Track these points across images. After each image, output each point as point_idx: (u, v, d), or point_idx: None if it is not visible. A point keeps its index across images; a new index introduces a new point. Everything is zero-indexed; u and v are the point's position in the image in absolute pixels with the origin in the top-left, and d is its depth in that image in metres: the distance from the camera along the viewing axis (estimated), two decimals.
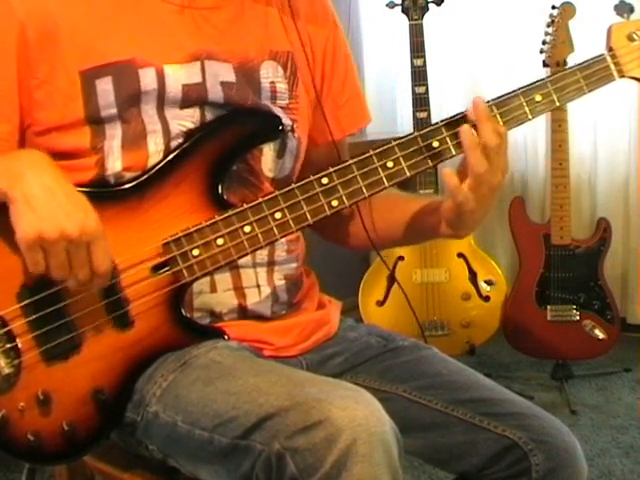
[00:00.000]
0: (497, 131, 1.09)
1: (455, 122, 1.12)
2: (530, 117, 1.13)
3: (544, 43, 2.59)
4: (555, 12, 2.57)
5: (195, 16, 1.18)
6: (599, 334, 2.64)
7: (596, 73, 1.14)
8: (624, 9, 1.19)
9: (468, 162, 1.09)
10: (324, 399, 0.95)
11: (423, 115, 2.64)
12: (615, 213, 3.08)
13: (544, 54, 2.58)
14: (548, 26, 2.59)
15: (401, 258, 2.76)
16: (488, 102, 1.12)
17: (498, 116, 1.12)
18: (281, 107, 1.22)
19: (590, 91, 1.15)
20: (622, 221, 3.13)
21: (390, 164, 1.12)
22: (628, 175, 3.12)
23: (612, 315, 2.69)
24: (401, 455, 0.97)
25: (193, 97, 1.15)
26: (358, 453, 0.91)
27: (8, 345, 1.07)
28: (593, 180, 3.19)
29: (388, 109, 3.47)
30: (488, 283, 2.75)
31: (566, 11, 2.56)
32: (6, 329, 1.07)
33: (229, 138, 1.14)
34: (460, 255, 2.76)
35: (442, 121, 1.12)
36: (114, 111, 1.13)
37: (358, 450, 0.91)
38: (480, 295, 2.75)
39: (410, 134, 1.13)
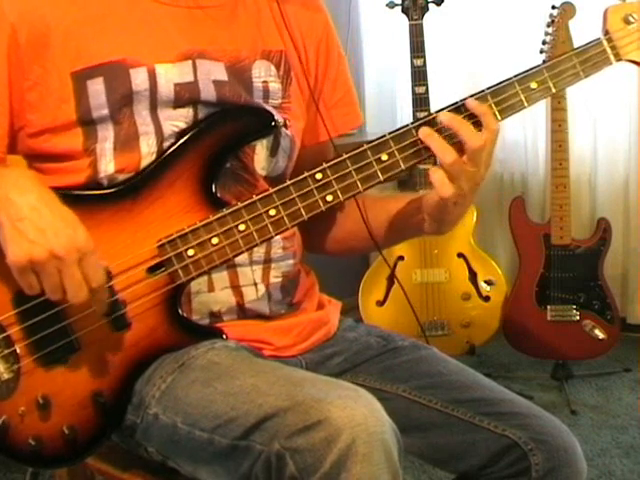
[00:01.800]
0: (475, 133, 1.08)
1: (456, 110, 1.11)
2: (526, 105, 1.12)
3: (544, 43, 2.59)
4: (555, 12, 2.57)
5: (186, 15, 1.18)
6: (599, 334, 2.63)
7: (592, 58, 1.12)
8: None
9: (435, 153, 1.09)
10: (323, 399, 0.95)
11: (423, 115, 2.63)
12: (615, 213, 3.08)
13: (544, 54, 2.58)
14: (548, 26, 2.59)
15: (401, 258, 2.75)
16: (483, 91, 1.11)
17: (493, 105, 1.11)
18: (274, 106, 1.22)
19: (587, 76, 1.13)
20: (622, 221, 3.13)
21: (385, 157, 1.11)
22: (628, 175, 3.12)
23: (612, 315, 2.69)
24: (401, 455, 0.96)
25: (185, 96, 1.15)
26: (358, 453, 0.91)
27: (7, 351, 1.07)
28: (593, 180, 3.18)
29: (388, 109, 3.46)
30: (488, 283, 2.75)
31: (566, 11, 2.56)
32: (4, 335, 1.07)
33: (221, 135, 1.14)
34: (460, 255, 2.76)
35: (438, 111, 1.12)
36: (105, 112, 1.12)
37: (358, 450, 0.91)
38: (480, 295, 2.75)
39: (404, 126, 1.12)
